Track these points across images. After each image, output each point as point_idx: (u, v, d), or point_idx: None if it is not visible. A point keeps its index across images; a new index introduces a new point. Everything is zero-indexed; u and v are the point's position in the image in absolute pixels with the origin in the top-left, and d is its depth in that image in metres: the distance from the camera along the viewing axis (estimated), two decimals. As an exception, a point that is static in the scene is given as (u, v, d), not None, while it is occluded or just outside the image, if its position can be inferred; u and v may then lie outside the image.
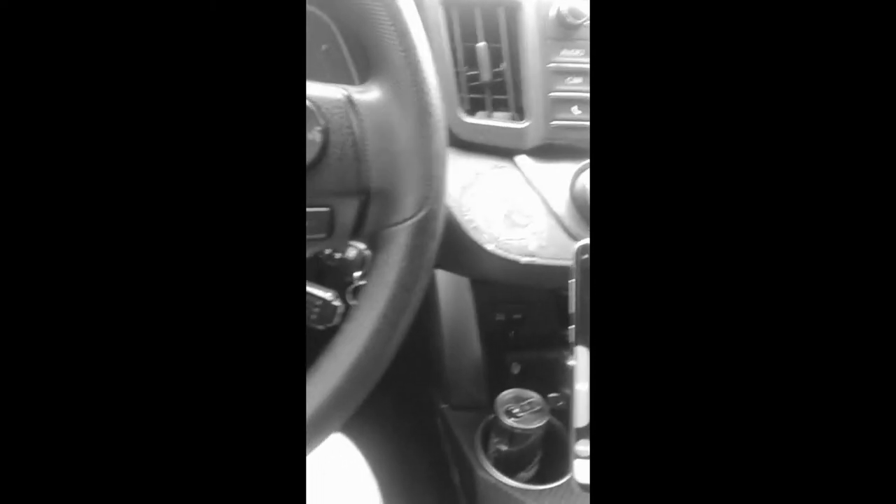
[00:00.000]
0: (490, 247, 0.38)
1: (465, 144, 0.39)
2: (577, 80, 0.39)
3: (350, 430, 0.48)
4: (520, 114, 0.40)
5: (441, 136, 0.29)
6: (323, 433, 0.30)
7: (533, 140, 0.39)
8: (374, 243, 0.30)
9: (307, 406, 0.29)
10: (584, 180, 0.38)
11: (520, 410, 0.47)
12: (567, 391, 0.30)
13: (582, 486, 0.29)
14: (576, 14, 0.39)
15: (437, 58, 0.39)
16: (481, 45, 0.39)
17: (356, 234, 0.29)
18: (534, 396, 0.47)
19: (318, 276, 0.43)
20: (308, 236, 0.28)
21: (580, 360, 0.30)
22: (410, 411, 0.64)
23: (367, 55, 0.29)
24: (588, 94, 0.39)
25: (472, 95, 0.40)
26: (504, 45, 0.39)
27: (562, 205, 0.39)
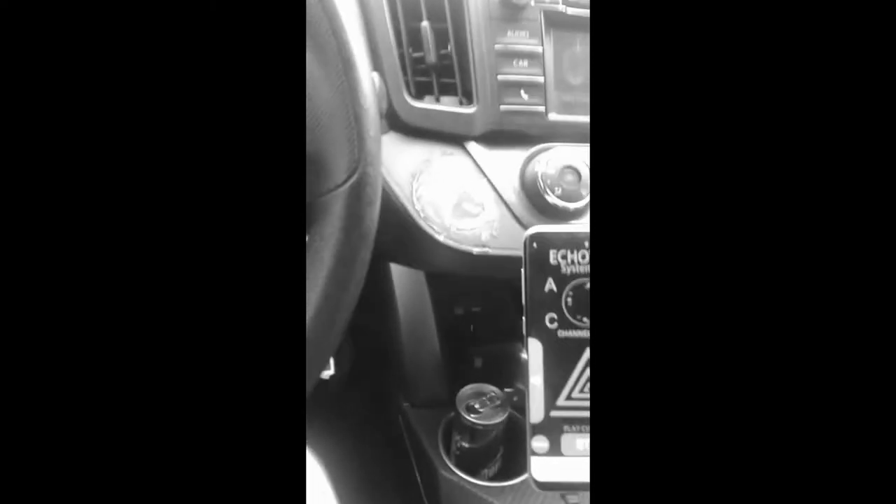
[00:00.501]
0: (441, 238, 0.37)
1: (413, 130, 0.37)
2: (525, 62, 0.37)
3: (309, 430, 0.46)
4: (468, 98, 0.38)
5: (367, 92, 0.26)
6: None
7: (482, 126, 0.38)
8: (308, 216, 0.27)
9: None
10: (536, 167, 0.37)
11: (480, 406, 0.46)
12: (521, 386, 0.28)
13: (539, 483, 0.27)
14: (521, -6, 0.37)
15: (380, 38, 0.37)
16: (425, 24, 0.37)
17: None
18: (494, 391, 0.46)
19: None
20: None
21: (532, 353, 0.28)
22: (372, 410, 0.62)
23: None
24: (537, 78, 0.38)
25: (418, 79, 0.38)
26: (449, 25, 0.38)
27: (513, 193, 0.38)
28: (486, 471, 0.47)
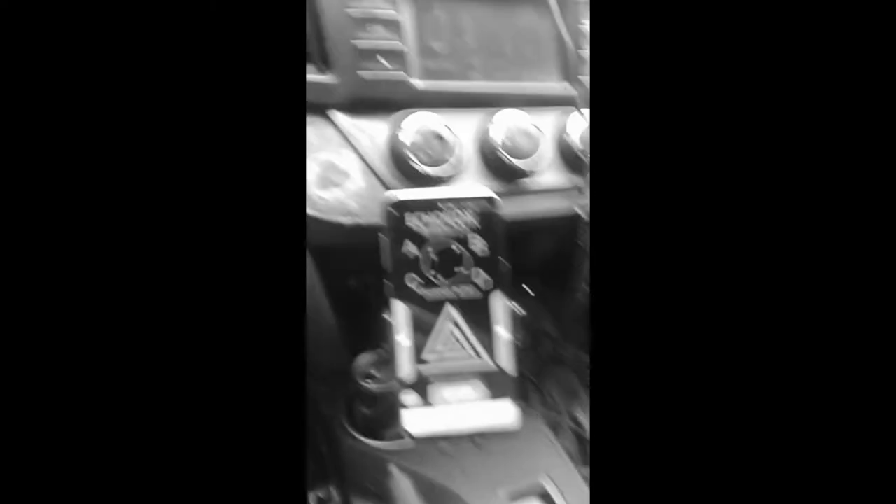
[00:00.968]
0: (310, 212, 0.36)
1: (272, 103, 0.36)
2: (380, 28, 0.37)
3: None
4: (326, 65, 0.37)
5: None
6: None
7: (344, 93, 0.37)
8: None
9: None
10: (402, 134, 0.38)
11: (377, 372, 0.47)
12: (386, 346, 0.30)
13: (413, 435, 0.29)
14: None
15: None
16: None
17: None
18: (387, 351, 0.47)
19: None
20: None
21: (397, 314, 0.30)
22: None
23: None
24: (396, 44, 0.38)
25: (271, 48, 0.37)
26: (299, -10, 0.36)
27: (381, 161, 0.38)
28: (389, 433, 0.49)
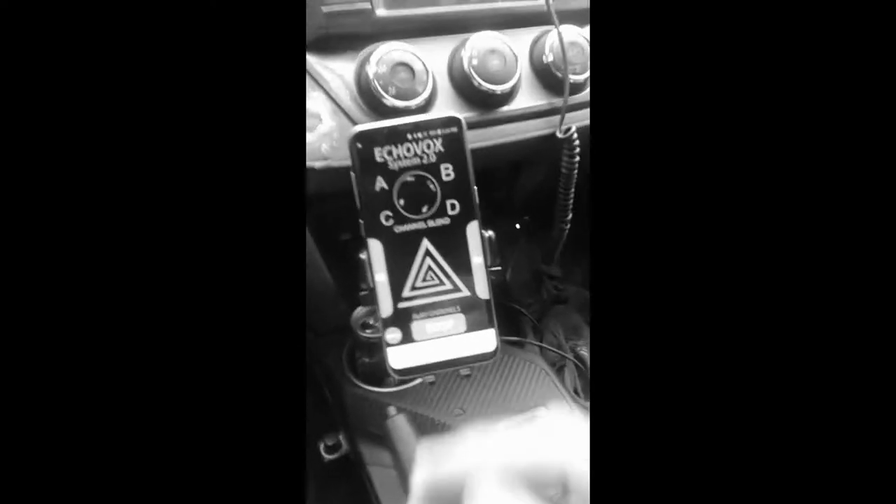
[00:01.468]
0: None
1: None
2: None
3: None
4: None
5: None
6: None
7: (308, 31, 0.35)
8: None
9: None
10: (368, 68, 0.36)
11: (374, 321, 0.47)
12: (365, 286, 0.29)
13: (397, 371, 0.29)
14: None
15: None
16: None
17: None
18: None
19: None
20: None
21: (374, 252, 0.29)
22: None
23: None
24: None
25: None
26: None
27: (350, 99, 0.36)
28: (389, 379, 0.50)
